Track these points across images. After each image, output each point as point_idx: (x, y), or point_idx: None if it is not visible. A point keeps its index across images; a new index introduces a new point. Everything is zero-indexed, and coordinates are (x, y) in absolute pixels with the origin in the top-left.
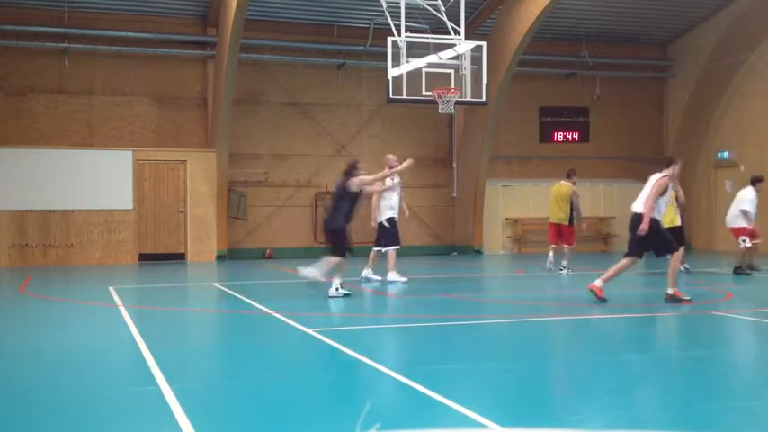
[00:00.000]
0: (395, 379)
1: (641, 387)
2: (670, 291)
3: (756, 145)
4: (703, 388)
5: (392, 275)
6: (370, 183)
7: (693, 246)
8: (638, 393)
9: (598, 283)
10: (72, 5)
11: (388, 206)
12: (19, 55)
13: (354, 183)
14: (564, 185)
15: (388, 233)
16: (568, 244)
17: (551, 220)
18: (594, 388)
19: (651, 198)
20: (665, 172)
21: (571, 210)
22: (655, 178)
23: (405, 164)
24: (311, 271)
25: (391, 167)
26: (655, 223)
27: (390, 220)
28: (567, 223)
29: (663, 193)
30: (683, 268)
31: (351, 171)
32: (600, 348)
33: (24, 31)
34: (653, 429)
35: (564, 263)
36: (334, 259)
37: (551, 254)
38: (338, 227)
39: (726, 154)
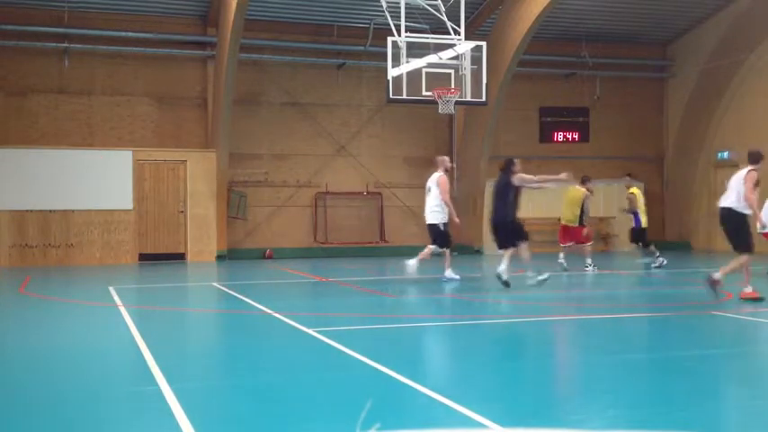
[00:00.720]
0: (395, 379)
1: (641, 387)
2: (718, 275)
3: (756, 145)
4: (703, 388)
5: (449, 273)
6: (530, 181)
7: (693, 246)
8: (638, 393)
9: (748, 289)
10: (72, 5)
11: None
12: (19, 55)
13: (517, 178)
14: (577, 190)
15: (444, 234)
16: (582, 242)
17: (562, 222)
18: (594, 388)
19: (749, 191)
20: (755, 166)
21: (581, 213)
22: (742, 174)
23: (562, 175)
24: (532, 277)
25: (446, 168)
26: (742, 218)
27: (446, 223)
28: (575, 224)
29: (756, 185)
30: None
31: (510, 168)
32: (600, 348)
33: (24, 31)
34: (653, 429)
35: (588, 260)
36: (514, 250)
37: (562, 254)
38: (510, 219)
39: (726, 154)
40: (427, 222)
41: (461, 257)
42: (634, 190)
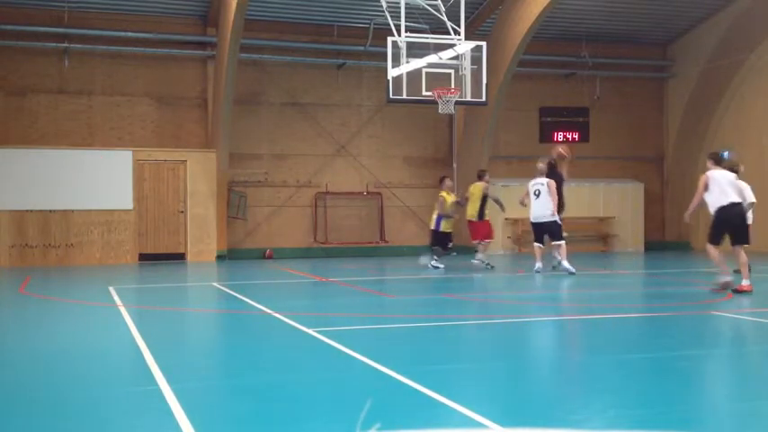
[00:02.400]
0: (395, 379)
1: (641, 387)
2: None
3: (756, 145)
4: (703, 388)
5: (567, 264)
6: None
7: (693, 245)
8: (638, 393)
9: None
10: (72, 5)
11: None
12: (19, 55)
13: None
14: (477, 185)
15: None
16: (483, 239)
17: (470, 219)
18: (594, 388)
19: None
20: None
21: (482, 206)
22: (733, 176)
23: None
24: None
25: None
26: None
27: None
28: (476, 219)
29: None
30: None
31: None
32: (600, 348)
33: (24, 31)
34: (653, 429)
35: (480, 256)
36: None
37: (478, 252)
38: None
39: (726, 154)
40: (542, 221)
41: (461, 258)
42: (443, 193)
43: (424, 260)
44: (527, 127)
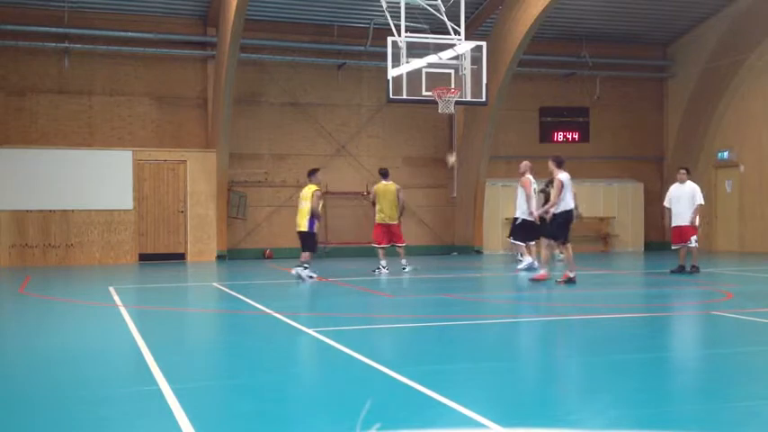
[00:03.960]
0: (394, 379)
1: (641, 387)
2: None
3: (756, 145)
4: (703, 388)
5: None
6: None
7: None
8: (637, 393)
9: (571, 273)
10: (72, 5)
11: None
12: (19, 55)
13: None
14: (389, 185)
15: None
16: (401, 242)
17: (383, 222)
18: (594, 388)
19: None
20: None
21: (401, 208)
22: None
23: None
24: None
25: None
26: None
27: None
28: (396, 222)
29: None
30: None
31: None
32: (599, 348)
33: (24, 31)
34: (653, 429)
35: (403, 261)
36: None
37: (383, 254)
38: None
39: (726, 154)
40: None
41: (462, 257)
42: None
43: (297, 271)
44: (527, 127)
